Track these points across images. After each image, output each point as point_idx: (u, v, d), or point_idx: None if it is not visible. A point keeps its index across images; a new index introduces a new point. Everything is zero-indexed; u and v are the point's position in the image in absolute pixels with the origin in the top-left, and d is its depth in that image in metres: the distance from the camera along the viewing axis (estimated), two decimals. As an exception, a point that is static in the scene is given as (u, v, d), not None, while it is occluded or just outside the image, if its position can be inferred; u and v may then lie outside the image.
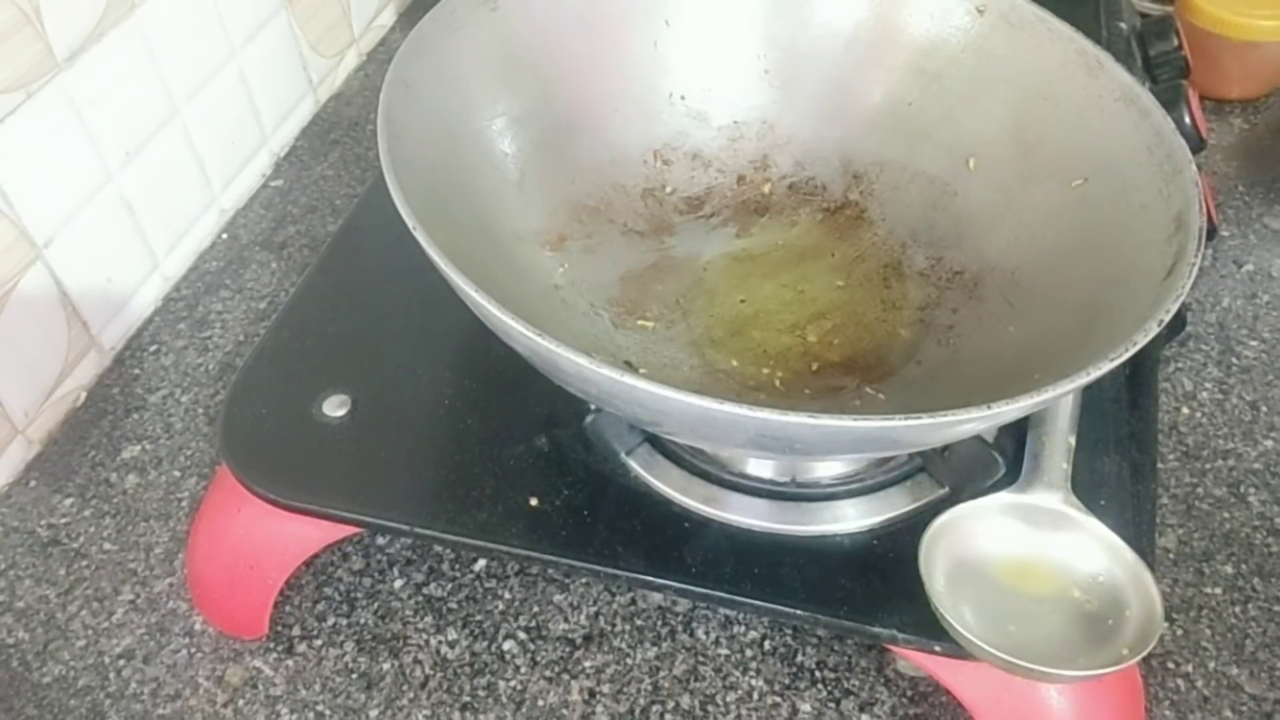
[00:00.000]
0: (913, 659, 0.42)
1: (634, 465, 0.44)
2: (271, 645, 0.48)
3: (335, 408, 0.46)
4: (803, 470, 0.44)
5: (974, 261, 0.48)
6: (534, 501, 0.43)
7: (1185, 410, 0.56)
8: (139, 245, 0.61)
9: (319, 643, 0.48)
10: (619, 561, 0.42)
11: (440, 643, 0.48)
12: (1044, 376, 0.34)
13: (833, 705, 0.45)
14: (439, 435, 0.46)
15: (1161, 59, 0.66)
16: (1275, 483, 0.53)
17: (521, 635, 0.48)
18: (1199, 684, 0.46)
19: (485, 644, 0.48)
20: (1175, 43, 0.67)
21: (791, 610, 0.40)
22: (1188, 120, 0.56)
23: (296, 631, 0.48)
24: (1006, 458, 0.42)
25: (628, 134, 0.53)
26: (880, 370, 0.46)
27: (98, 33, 0.54)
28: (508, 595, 0.49)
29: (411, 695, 0.46)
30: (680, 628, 0.48)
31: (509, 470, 0.44)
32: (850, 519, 0.43)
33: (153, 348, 0.61)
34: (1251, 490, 0.53)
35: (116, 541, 0.52)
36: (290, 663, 0.47)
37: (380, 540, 0.51)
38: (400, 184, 0.37)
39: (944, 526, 0.39)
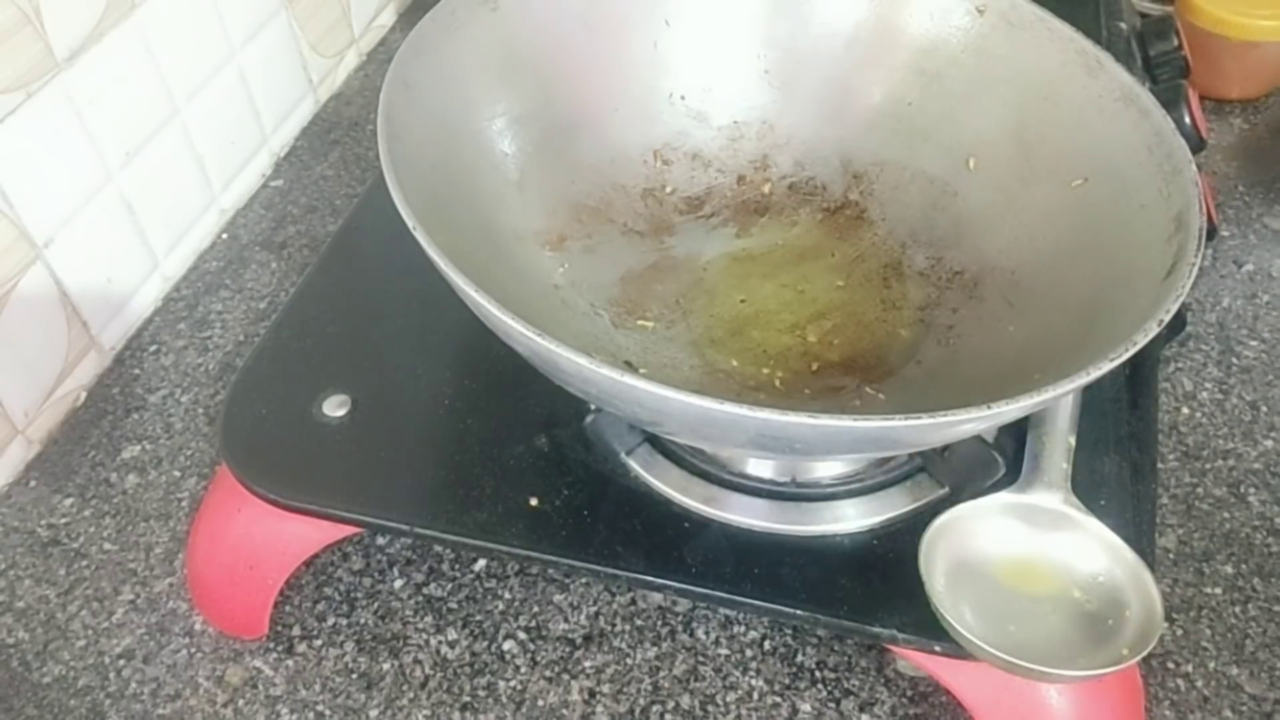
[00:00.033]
0: (913, 659, 0.42)
1: (634, 465, 0.44)
2: (271, 645, 0.48)
3: (335, 408, 0.46)
4: (803, 470, 0.44)
5: (974, 261, 0.48)
6: (534, 501, 0.43)
7: (1185, 410, 0.56)
8: (139, 245, 0.61)
9: (319, 643, 0.48)
10: (619, 561, 0.42)
11: (440, 643, 0.48)
12: (1044, 376, 0.34)
13: (833, 705, 0.45)
14: (439, 435, 0.46)
15: (1161, 59, 0.67)
16: (1275, 483, 0.53)
17: (521, 635, 0.48)
18: (1199, 684, 0.46)
19: (485, 644, 0.48)
20: (1175, 43, 0.67)
21: (791, 610, 0.40)
22: (1188, 120, 0.56)
23: (296, 631, 0.48)
24: (1006, 458, 0.42)
25: (628, 134, 0.53)
26: (880, 370, 0.46)
27: (98, 33, 0.54)
28: (508, 595, 0.49)
29: (411, 695, 0.46)
30: (680, 628, 0.48)
31: (509, 470, 0.44)
32: (850, 519, 0.43)
33: (153, 348, 0.61)
34: (1251, 490, 0.53)
35: (116, 541, 0.52)
36: (290, 663, 0.47)
37: (380, 540, 0.51)
38: (400, 184, 0.37)
39: (944, 526, 0.39)
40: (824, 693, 0.46)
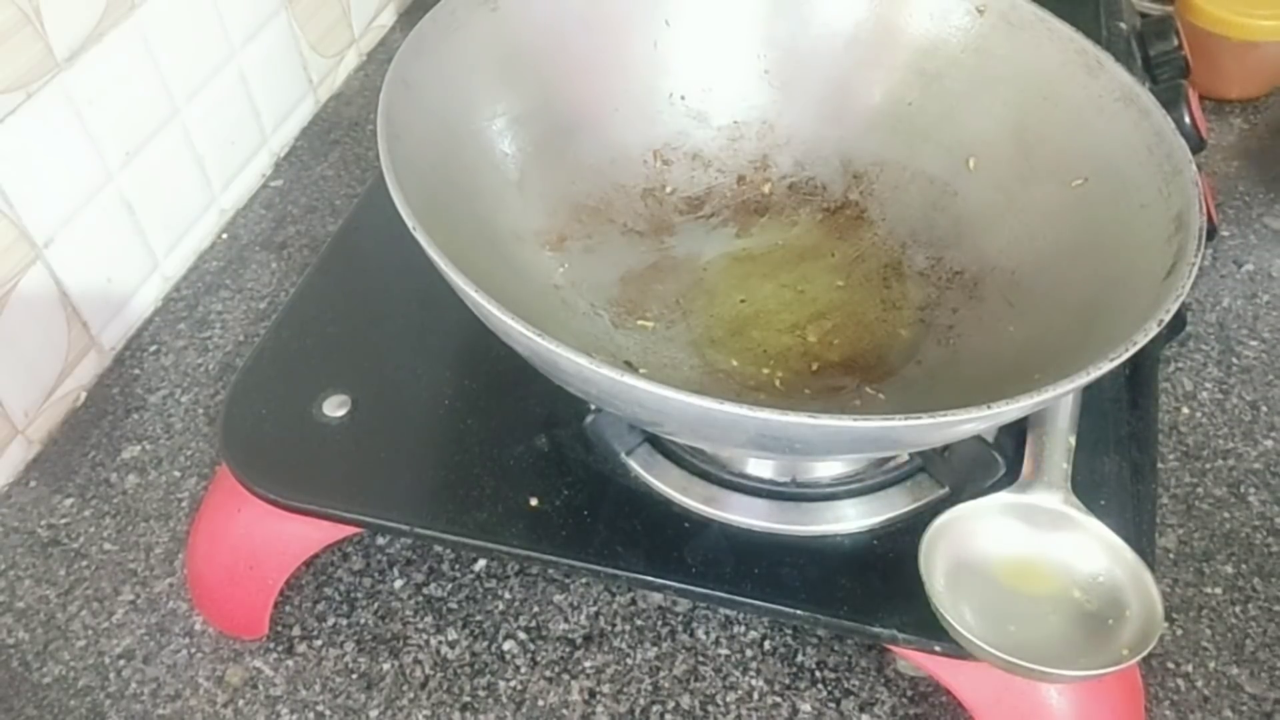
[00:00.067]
0: (913, 659, 0.42)
1: (634, 465, 0.44)
2: (271, 645, 0.48)
3: (335, 408, 0.46)
4: (803, 470, 0.44)
5: (974, 261, 0.48)
6: (534, 501, 0.43)
7: (1185, 410, 0.56)
8: (139, 245, 0.61)
9: (319, 643, 0.48)
10: (619, 561, 0.42)
11: (440, 643, 0.48)
12: (1044, 376, 0.34)
13: (833, 705, 0.45)
14: (439, 435, 0.46)
15: (1161, 59, 0.67)
16: (1275, 483, 0.53)
17: (521, 635, 0.48)
18: (1199, 684, 0.46)
19: (485, 644, 0.48)
20: (1175, 43, 0.67)
21: (791, 610, 0.40)
22: (1188, 120, 0.56)
23: (296, 631, 0.48)
24: (1006, 458, 0.42)
25: (628, 134, 0.53)
26: (880, 370, 0.46)
27: (98, 33, 0.54)
28: (508, 595, 0.49)
29: (411, 695, 0.46)
30: (680, 628, 0.48)
31: (509, 470, 0.44)
32: (850, 519, 0.43)
33: (153, 348, 0.61)
34: (1251, 490, 0.53)
35: (116, 541, 0.52)
36: (290, 663, 0.47)
37: (380, 540, 0.51)
38: (400, 184, 0.37)
39: (944, 526, 0.39)
40: (824, 693, 0.46)
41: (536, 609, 0.49)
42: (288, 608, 0.49)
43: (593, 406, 0.43)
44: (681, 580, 0.41)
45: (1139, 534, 0.42)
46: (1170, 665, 0.46)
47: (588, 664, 0.47)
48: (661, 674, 0.46)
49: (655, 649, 0.47)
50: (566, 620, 0.48)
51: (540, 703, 0.46)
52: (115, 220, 0.58)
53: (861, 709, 0.45)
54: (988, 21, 0.49)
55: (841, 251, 0.51)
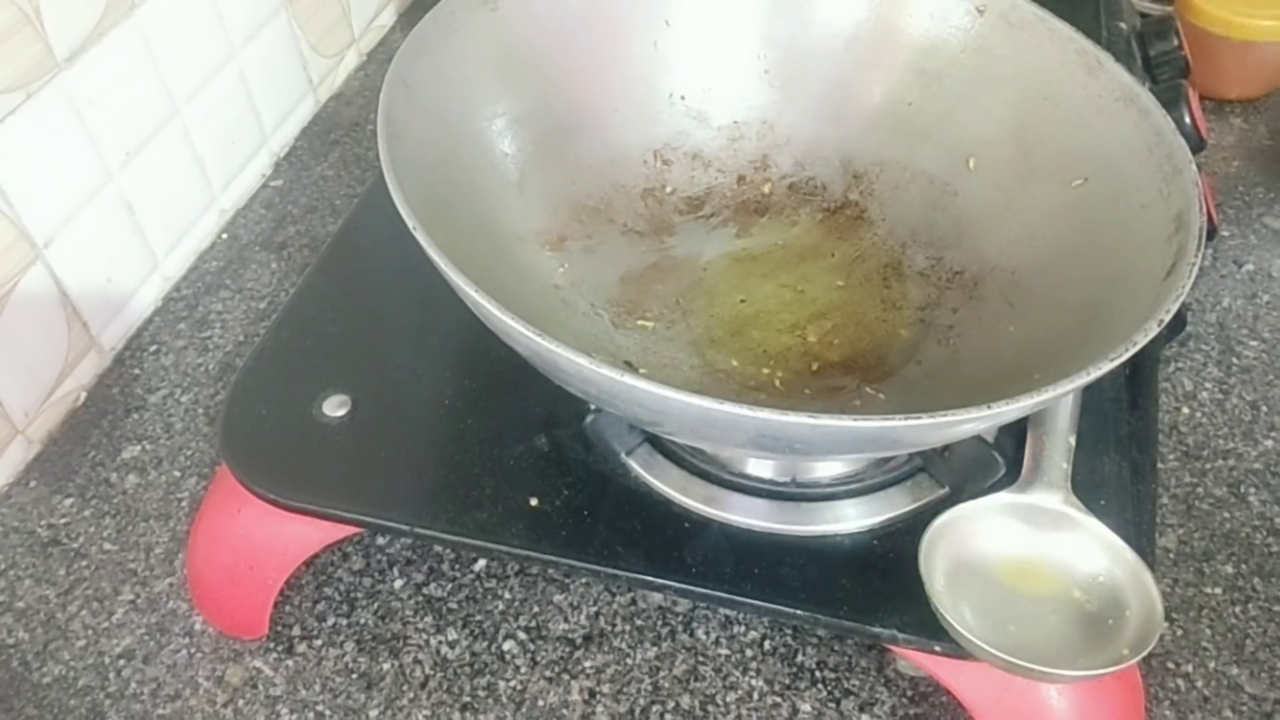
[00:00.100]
0: (913, 659, 0.42)
1: (634, 465, 0.44)
2: (271, 645, 0.48)
3: (335, 408, 0.46)
4: (803, 470, 0.44)
5: (974, 261, 0.48)
6: (534, 501, 0.43)
7: (1185, 410, 0.56)
8: (139, 245, 0.61)
9: (319, 643, 0.48)
10: (619, 561, 0.42)
11: (440, 643, 0.48)
12: (1044, 376, 0.34)
13: (833, 705, 0.45)
14: (439, 435, 0.46)
15: (1161, 59, 0.67)
16: (1275, 483, 0.53)
17: (521, 635, 0.48)
18: (1199, 684, 0.46)
19: (485, 644, 0.48)
20: (1175, 43, 0.67)
21: (791, 610, 0.40)
22: (1188, 120, 0.56)
23: (296, 631, 0.48)
24: (1006, 458, 0.42)
25: (628, 134, 0.53)
26: (880, 370, 0.46)
27: (98, 33, 0.54)
28: (508, 595, 0.49)
29: (411, 695, 0.46)
30: (680, 628, 0.48)
31: (509, 470, 0.44)
32: (850, 519, 0.43)
33: (153, 348, 0.61)
34: (1251, 490, 0.53)
35: (116, 541, 0.52)
36: (290, 663, 0.47)
37: (380, 540, 0.51)
38: (400, 184, 0.37)
39: (944, 526, 0.39)
40: (824, 693, 0.46)
41: (536, 609, 0.49)
42: (288, 608, 0.49)
43: (593, 406, 0.43)
44: (681, 580, 0.41)
45: (1139, 534, 0.42)
46: (1170, 665, 0.46)
47: (588, 664, 0.47)
48: (661, 674, 0.46)
49: (655, 649, 0.47)
50: (566, 620, 0.48)
51: (540, 703, 0.46)
52: (115, 220, 0.58)
53: (861, 709, 0.45)
54: (988, 21, 0.49)
55: (841, 251, 0.51)
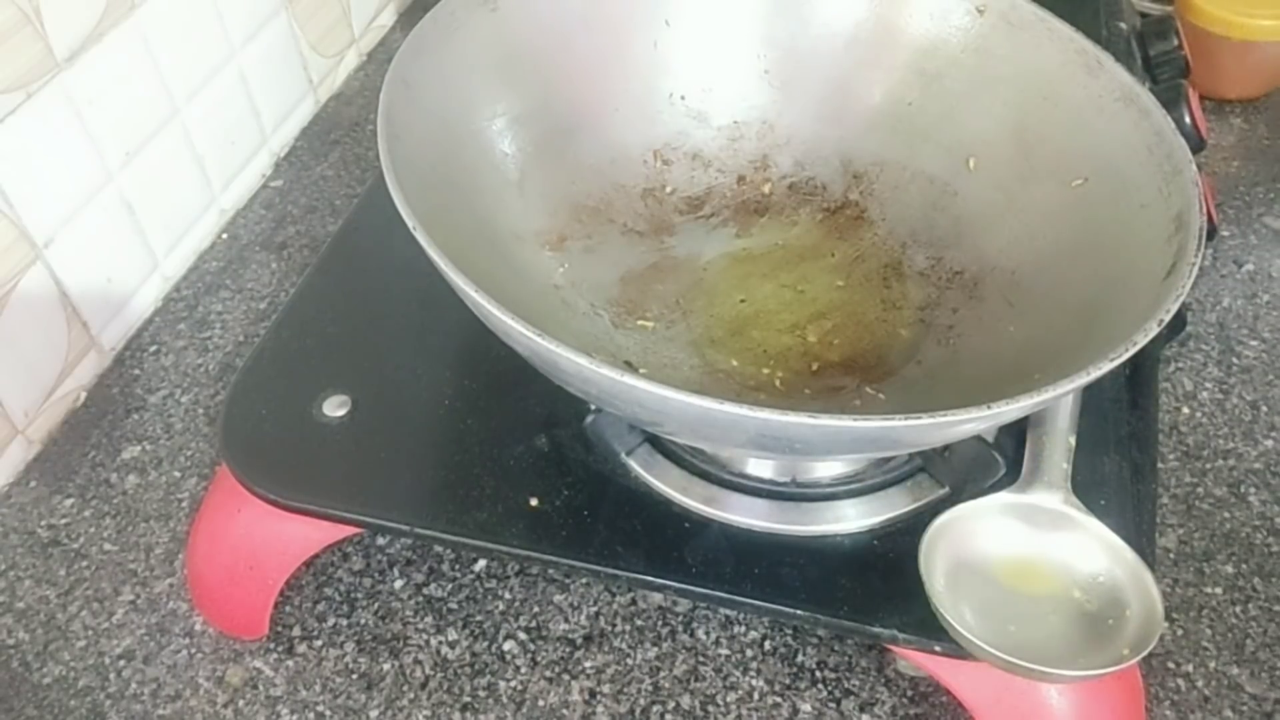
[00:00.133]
0: (913, 659, 0.42)
1: (634, 465, 0.44)
2: (271, 645, 0.48)
3: (335, 408, 0.46)
4: (803, 470, 0.44)
5: (974, 261, 0.48)
6: (534, 501, 0.43)
7: (1185, 410, 0.56)
8: (139, 245, 0.61)
9: (319, 643, 0.48)
10: (619, 561, 0.42)
11: (440, 643, 0.48)
12: (1044, 376, 0.34)
13: (833, 705, 0.45)
14: (439, 435, 0.46)
15: (1161, 59, 0.67)
16: (1275, 483, 0.53)
17: (522, 635, 0.48)
18: (1199, 684, 0.46)
19: (485, 644, 0.48)
20: (1175, 43, 0.67)
21: (791, 610, 0.40)
22: (1188, 120, 0.56)
23: (296, 632, 0.48)
24: (1006, 458, 0.42)
25: (628, 134, 0.53)
26: (880, 370, 0.46)
27: (98, 33, 0.54)
28: (508, 595, 0.49)
29: (412, 696, 0.46)
30: (680, 628, 0.48)
31: (509, 470, 0.44)
32: (850, 519, 0.43)
33: (153, 348, 0.61)
34: (1252, 490, 0.53)
35: (116, 542, 0.52)
36: (290, 663, 0.47)
37: (380, 540, 0.51)
38: (400, 184, 0.37)
39: (944, 526, 0.39)
40: (824, 693, 0.46)
41: (536, 609, 0.49)
42: (288, 608, 0.49)
43: (593, 406, 0.43)
44: (681, 580, 0.41)
45: (1139, 534, 0.42)
46: (1170, 665, 0.46)
47: (588, 664, 0.47)
48: (662, 674, 0.46)
49: (655, 649, 0.47)
50: (567, 620, 0.48)
51: (540, 703, 0.46)
52: (115, 220, 0.58)
53: (861, 709, 0.45)
54: (988, 21, 0.49)
55: (841, 251, 0.51)
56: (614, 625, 0.48)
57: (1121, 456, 0.44)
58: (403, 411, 0.47)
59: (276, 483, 0.44)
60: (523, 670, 0.47)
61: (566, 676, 0.47)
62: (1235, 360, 0.59)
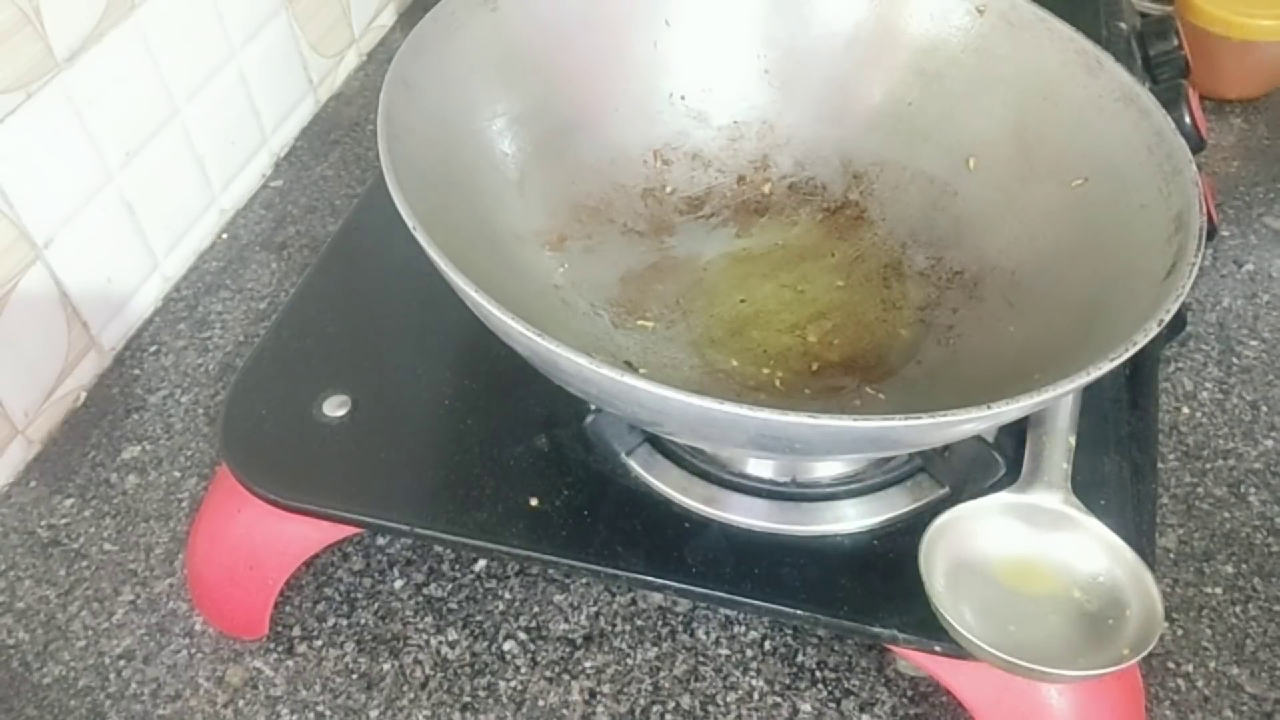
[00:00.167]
0: (913, 659, 0.42)
1: (634, 465, 0.44)
2: (271, 646, 0.48)
3: (335, 408, 0.46)
4: (803, 470, 0.44)
5: (974, 261, 0.48)
6: (534, 501, 0.43)
7: (1185, 410, 0.56)
8: (139, 245, 0.61)
9: (319, 643, 0.48)
10: (619, 561, 0.42)
11: (440, 643, 0.48)
12: (1044, 376, 0.34)
13: (833, 705, 0.45)
14: (439, 435, 0.46)
15: (1161, 59, 0.67)
16: (1275, 482, 0.53)
17: (522, 635, 0.48)
18: (1199, 684, 0.46)
19: (485, 644, 0.48)
20: (1175, 43, 0.67)
21: (792, 610, 0.40)
22: (1188, 120, 0.56)
23: (297, 632, 0.48)
24: (1006, 458, 0.42)
25: (628, 134, 0.53)
26: (880, 370, 0.46)
27: (98, 33, 0.54)
28: (508, 595, 0.49)
29: (412, 696, 0.46)
30: (680, 628, 0.48)
31: (509, 470, 0.44)
32: (850, 519, 0.43)
33: (153, 348, 0.61)
34: (1252, 490, 0.53)
35: (116, 542, 0.52)
36: (290, 663, 0.47)
37: (380, 540, 0.51)
38: (400, 184, 0.37)
39: (944, 526, 0.39)
40: (824, 693, 0.46)
41: (536, 609, 0.49)
42: (288, 608, 0.49)
43: (593, 406, 0.43)
44: (681, 580, 0.41)
45: (1139, 534, 0.42)
46: (1170, 665, 0.46)
47: (588, 664, 0.47)
48: (662, 674, 0.46)
49: (655, 649, 0.47)
50: (567, 620, 0.48)
51: (540, 703, 0.46)
52: (115, 220, 0.58)
53: (861, 709, 0.45)
54: (988, 21, 0.49)
55: (841, 251, 0.51)
56: (614, 625, 0.48)
57: (1121, 456, 0.44)
58: (403, 411, 0.47)
59: (276, 483, 0.44)
60: (523, 670, 0.47)
61: (566, 676, 0.47)
62: (1235, 360, 0.59)
